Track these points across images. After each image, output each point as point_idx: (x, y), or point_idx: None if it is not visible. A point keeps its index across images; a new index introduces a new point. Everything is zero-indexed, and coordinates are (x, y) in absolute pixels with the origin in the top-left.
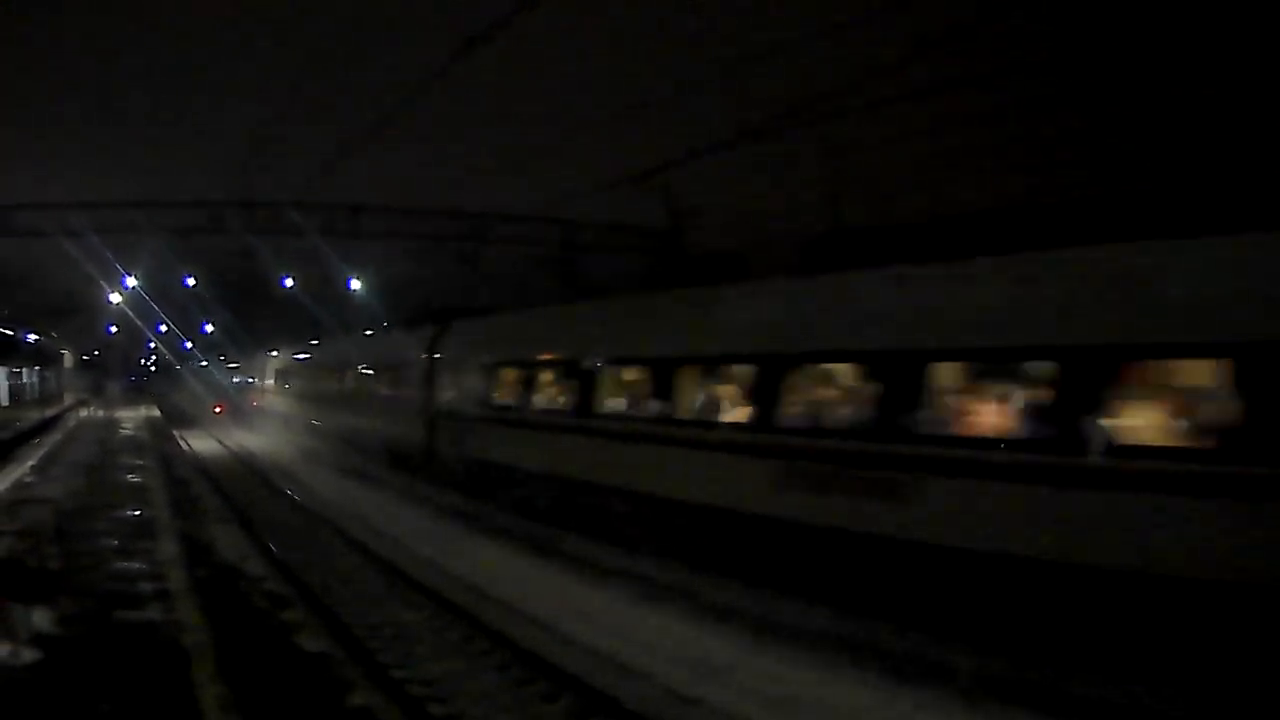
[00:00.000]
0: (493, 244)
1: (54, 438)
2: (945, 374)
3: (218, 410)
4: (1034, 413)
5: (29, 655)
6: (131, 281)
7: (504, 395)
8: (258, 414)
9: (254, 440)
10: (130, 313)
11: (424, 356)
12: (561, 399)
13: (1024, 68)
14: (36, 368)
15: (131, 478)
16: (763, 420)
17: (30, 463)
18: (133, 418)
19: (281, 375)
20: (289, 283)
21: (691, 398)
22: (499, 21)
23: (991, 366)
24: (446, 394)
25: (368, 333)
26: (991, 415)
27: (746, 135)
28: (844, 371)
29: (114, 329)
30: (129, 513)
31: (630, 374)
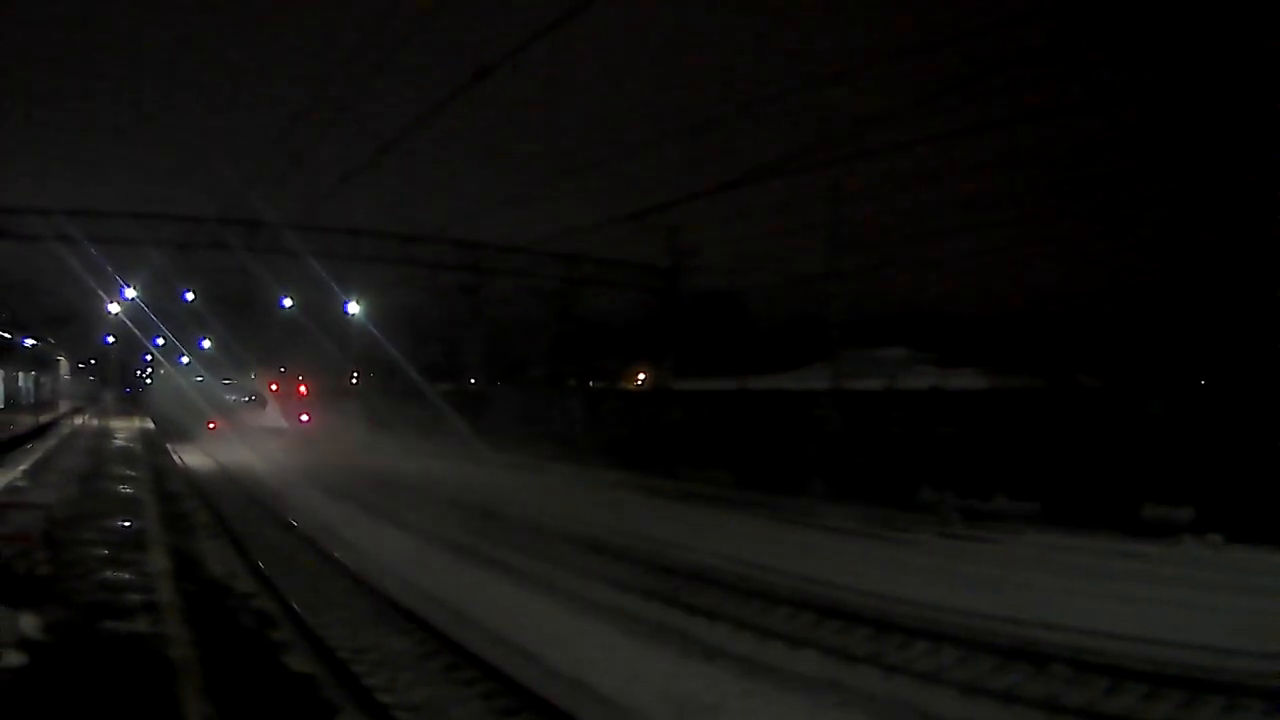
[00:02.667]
0: (493, 274)
1: (48, 444)
2: None
3: (212, 427)
4: None
5: (14, 660)
6: (130, 293)
7: None
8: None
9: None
10: (129, 323)
11: None
12: None
13: (1027, 116)
14: (33, 373)
15: (123, 488)
16: None
17: (23, 468)
18: (126, 428)
19: None
20: (287, 303)
21: None
22: (509, 53)
23: None
24: None
25: None
26: None
27: (748, 178)
28: None
29: (111, 339)
30: (120, 523)
31: None
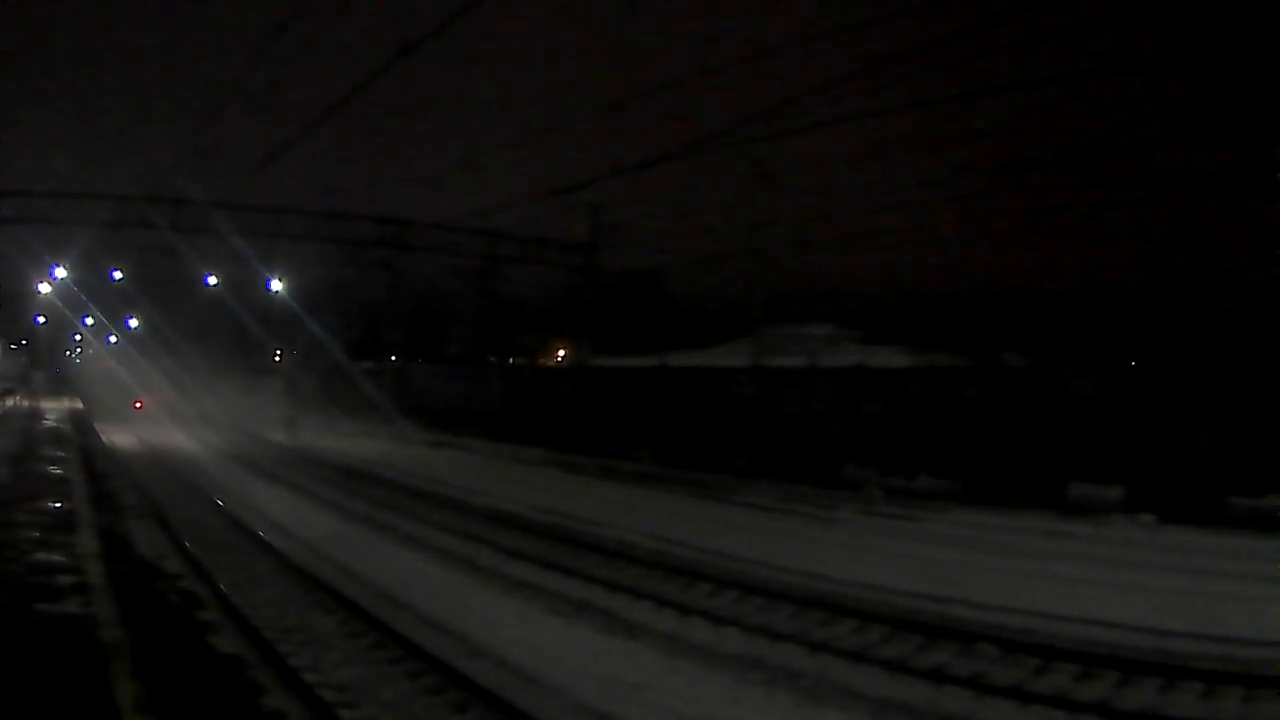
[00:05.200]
0: (416, 251)
1: None
2: None
3: (138, 406)
4: None
5: None
6: (61, 273)
7: None
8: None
9: None
10: (59, 303)
11: None
12: None
13: (957, 97)
14: None
15: (54, 469)
16: None
17: None
18: (56, 408)
19: None
20: (212, 281)
21: None
22: (432, 30)
23: None
24: None
25: None
26: None
27: (671, 154)
28: None
29: (42, 319)
30: (50, 505)
31: None
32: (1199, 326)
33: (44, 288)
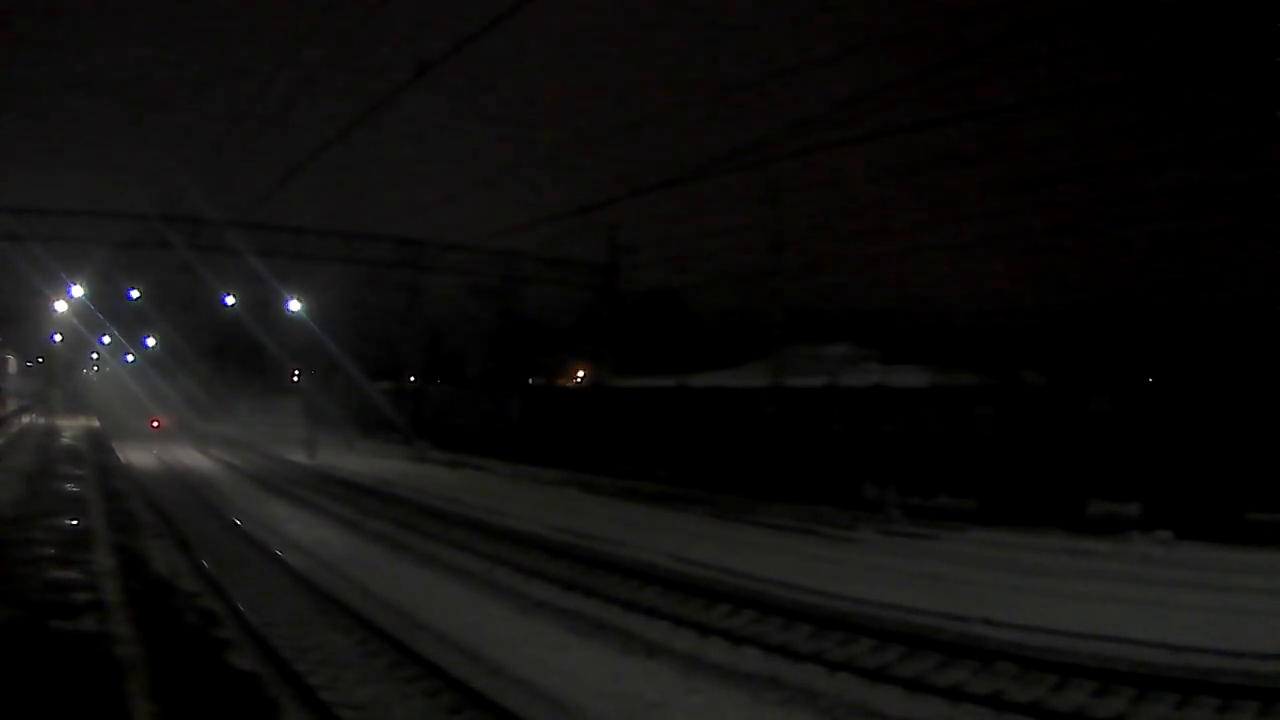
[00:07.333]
0: (434, 272)
1: None
2: None
3: (155, 425)
4: None
5: None
6: (78, 291)
7: None
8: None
9: None
10: (76, 321)
11: None
12: None
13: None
14: None
15: (70, 487)
16: None
17: None
18: (72, 426)
19: None
20: (230, 301)
21: None
22: (450, 49)
23: None
24: None
25: None
26: None
27: (690, 175)
28: None
29: (59, 337)
30: (67, 522)
31: None
32: (1216, 341)
33: (60, 306)
